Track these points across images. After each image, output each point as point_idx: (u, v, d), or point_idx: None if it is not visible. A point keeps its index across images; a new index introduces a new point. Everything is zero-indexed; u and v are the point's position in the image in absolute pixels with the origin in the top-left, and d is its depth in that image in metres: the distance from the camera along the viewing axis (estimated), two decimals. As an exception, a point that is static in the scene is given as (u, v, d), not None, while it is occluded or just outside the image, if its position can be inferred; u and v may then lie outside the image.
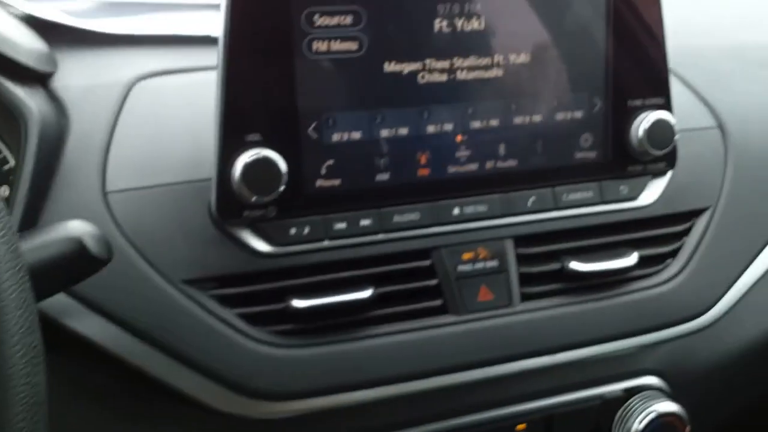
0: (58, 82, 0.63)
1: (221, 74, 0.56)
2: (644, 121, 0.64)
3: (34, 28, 0.66)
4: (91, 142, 0.61)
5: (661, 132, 0.64)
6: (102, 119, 0.62)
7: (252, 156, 0.55)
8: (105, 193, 0.59)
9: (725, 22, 0.89)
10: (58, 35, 0.66)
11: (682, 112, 0.73)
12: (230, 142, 0.56)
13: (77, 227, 0.50)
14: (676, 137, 0.65)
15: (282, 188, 0.56)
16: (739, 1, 0.94)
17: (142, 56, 0.70)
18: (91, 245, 0.49)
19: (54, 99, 0.62)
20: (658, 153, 0.65)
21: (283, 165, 0.56)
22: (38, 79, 0.62)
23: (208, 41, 0.66)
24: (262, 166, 0.56)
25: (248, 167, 0.55)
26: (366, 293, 0.61)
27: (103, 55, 0.69)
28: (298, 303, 0.59)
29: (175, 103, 0.65)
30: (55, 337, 0.51)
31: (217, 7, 0.56)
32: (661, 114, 0.64)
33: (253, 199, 0.56)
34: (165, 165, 0.61)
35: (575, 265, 0.66)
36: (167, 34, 0.73)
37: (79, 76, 0.64)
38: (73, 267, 0.50)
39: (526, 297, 0.66)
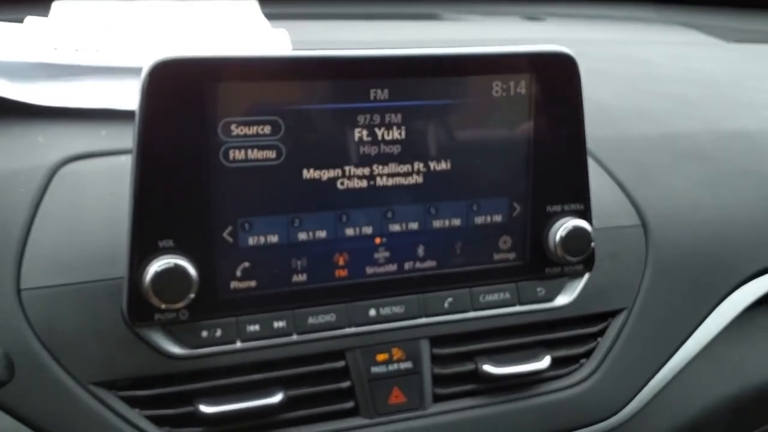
0: None
1: (134, 180, 0.55)
2: (561, 229, 0.65)
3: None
4: (8, 234, 0.60)
5: (577, 240, 0.65)
6: (22, 210, 0.62)
7: (162, 265, 0.55)
8: (19, 290, 0.59)
9: (658, 109, 0.90)
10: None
11: (606, 208, 0.75)
12: (142, 247, 0.56)
13: None
14: (593, 244, 0.66)
15: (193, 295, 0.57)
16: (673, 87, 0.95)
17: (71, 133, 0.70)
18: None
19: None
20: (574, 260, 0.66)
21: (194, 273, 0.56)
22: None
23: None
24: (172, 275, 0.56)
25: (158, 276, 0.55)
26: (276, 398, 0.61)
27: (30, 130, 0.69)
28: (206, 408, 0.60)
29: (97, 191, 0.65)
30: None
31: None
32: (578, 222, 0.65)
33: (163, 306, 0.56)
34: (82, 261, 0.61)
35: (488, 368, 0.67)
36: (100, 108, 0.73)
37: (1, 158, 0.64)
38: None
39: (438, 398, 0.67)
